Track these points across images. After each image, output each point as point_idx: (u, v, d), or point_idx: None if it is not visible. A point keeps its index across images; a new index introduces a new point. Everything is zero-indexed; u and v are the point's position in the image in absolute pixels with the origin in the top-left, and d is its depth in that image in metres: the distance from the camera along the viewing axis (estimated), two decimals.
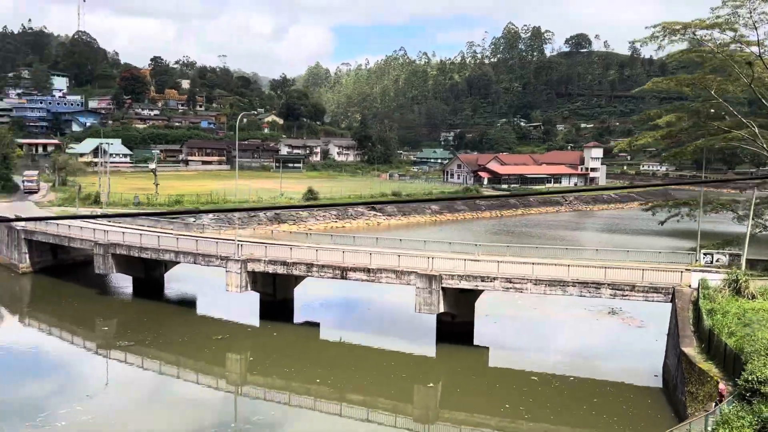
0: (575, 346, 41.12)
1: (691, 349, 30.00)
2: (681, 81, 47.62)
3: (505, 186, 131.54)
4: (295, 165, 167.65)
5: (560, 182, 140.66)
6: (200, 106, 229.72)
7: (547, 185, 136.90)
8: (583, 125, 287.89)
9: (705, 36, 42.55)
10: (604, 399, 31.65)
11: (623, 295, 35.91)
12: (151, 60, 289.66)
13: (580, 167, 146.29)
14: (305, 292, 47.59)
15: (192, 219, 77.79)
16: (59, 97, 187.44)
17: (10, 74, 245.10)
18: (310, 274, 40.97)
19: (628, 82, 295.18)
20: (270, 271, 41.66)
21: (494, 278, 37.26)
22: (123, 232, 47.32)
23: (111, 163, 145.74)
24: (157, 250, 45.02)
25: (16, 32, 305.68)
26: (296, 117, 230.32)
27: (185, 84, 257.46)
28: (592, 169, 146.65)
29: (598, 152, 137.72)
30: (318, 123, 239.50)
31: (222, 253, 42.42)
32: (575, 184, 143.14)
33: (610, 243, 66.15)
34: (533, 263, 37.63)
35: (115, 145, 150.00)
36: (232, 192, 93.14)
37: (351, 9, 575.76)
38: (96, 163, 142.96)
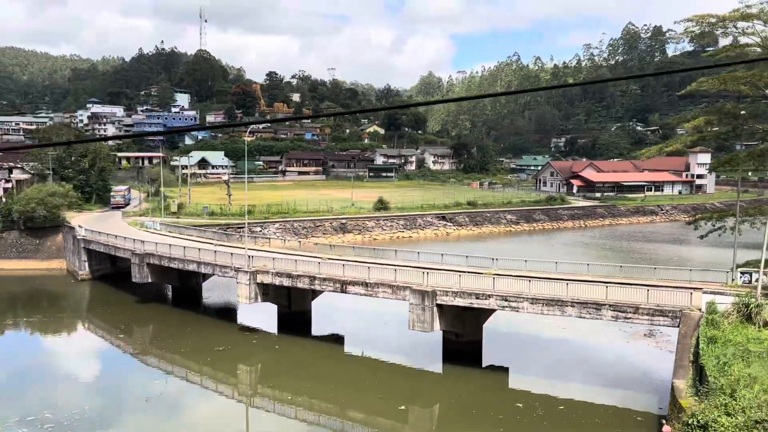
0: (588, 370, 38.06)
1: (681, 382, 26.95)
2: (733, 79, 43.18)
3: (598, 194, 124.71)
4: (388, 174, 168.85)
5: (661, 190, 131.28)
6: (306, 119, 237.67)
7: (647, 193, 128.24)
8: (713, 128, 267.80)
9: (747, 29, 38.20)
10: None
11: (626, 318, 32.79)
12: (266, 75, 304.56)
13: (684, 174, 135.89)
14: (329, 304, 47.80)
15: (258, 229, 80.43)
16: (175, 112, 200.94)
17: (142, 92, 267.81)
18: (313, 286, 40.94)
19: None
20: (277, 283, 42.08)
21: (489, 295, 35.36)
22: (156, 243, 49.77)
23: (213, 174, 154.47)
24: (183, 261, 46.87)
25: (150, 53, 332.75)
26: (397, 127, 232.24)
27: (296, 97, 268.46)
28: (699, 176, 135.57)
29: (705, 158, 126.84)
30: (419, 132, 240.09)
31: (235, 264, 43.40)
32: (679, 193, 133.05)
33: (675, 256, 60.73)
34: (530, 279, 35.31)
35: (218, 157, 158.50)
36: (305, 201, 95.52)
37: (470, 17, 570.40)
38: (200, 175, 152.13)
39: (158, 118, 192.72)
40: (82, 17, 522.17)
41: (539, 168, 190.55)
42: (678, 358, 28.83)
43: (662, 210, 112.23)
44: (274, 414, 33.60)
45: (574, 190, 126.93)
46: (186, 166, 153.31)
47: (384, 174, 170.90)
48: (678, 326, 31.19)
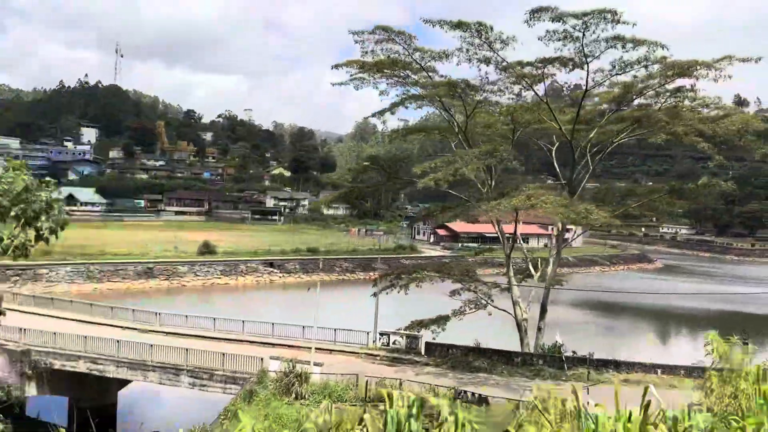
0: None
1: None
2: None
3: (459, 245, 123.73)
4: (273, 217, 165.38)
5: (527, 242, 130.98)
6: (212, 158, 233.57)
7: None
8: (618, 184, 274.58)
9: (422, 78, 36.45)
10: None
11: (202, 385, 29.53)
12: (185, 113, 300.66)
13: (551, 227, 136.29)
14: None
15: (45, 271, 75.43)
16: (61, 146, 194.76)
17: (54, 126, 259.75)
18: None
19: (667, 141, 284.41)
20: None
21: (79, 357, 31.68)
22: None
23: (80, 211, 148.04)
24: None
25: (73, 87, 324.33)
26: (305, 170, 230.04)
27: (209, 136, 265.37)
28: (567, 230, 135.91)
29: None
30: (326, 176, 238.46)
31: None
32: (545, 245, 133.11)
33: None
34: (119, 340, 31.85)
35: (88, 194, 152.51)
36: (120, 243, 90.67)
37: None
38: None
39: (42, 152, 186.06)
40: (26, 47, 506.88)
41: None
42: None
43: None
44: None
45: (431, 239, 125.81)
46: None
47: (270, 217, 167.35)
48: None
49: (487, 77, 33.11)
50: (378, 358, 33.42)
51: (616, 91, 34.70)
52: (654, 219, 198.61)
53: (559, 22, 27.72)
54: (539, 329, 37.00)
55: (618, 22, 27.36)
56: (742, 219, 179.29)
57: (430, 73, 33.91)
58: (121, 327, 38.05)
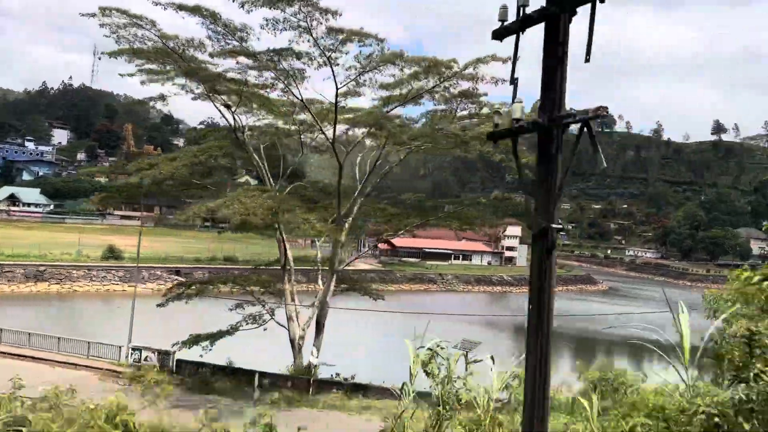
0: None
1: None
2: None
3: (396, 259, 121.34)
4: (222, 225, 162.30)
5: (469, 259, 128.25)
6: None
7: (453, 261, 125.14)
8: (594, 206, 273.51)
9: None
10: None
11: None
12: (161, 118, 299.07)
13: (494, 245, 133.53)
14: None
15: None
16: (18, 146, 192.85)
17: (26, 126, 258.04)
18: None
19: (644, 164, 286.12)
20: None
21: None
22: None
23: (21, 212, 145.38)
24: None
25: (56, 88, 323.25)
26: (275, 178, 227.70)
27: (180, 142, 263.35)
28: (509, 248, 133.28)
29: (515, 230, 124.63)
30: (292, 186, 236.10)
31: None
32: (488, 263, 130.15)
33: None
34: None
35: (32, 195, 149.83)
36: (27, 245, 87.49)
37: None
38: (3, 212, 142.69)
39: None
40: (19, 49, 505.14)
41: None
42: None
43: (443, 279, 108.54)
44: None
45: (376, 253, 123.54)
46: None
47: (221, 224, 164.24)
48: None
49: (246, 69, 30.41)
50: (120, 375, 30.46)
51: (383, 95, 32.04)
52: (622, 241, 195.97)
53: (276, 8, 25.07)
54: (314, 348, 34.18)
55: (323, 11, 24.58)
56: (705, 244, 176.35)
57: (193, 64, 31.13)
58: None
